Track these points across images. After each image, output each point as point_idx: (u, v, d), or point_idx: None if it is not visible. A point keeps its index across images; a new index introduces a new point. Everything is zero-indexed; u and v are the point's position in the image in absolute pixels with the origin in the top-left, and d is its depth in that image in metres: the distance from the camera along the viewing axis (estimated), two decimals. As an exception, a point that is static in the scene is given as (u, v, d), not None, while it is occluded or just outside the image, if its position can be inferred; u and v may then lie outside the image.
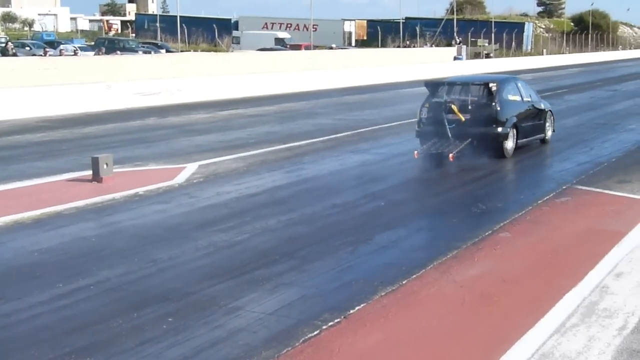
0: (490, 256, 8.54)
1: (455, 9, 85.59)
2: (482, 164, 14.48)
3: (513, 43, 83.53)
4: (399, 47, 71.90)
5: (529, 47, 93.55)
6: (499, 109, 15.28)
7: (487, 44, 78.74)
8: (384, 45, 74.31)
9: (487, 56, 72.77)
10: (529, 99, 16.84)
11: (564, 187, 12.42)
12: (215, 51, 56.95)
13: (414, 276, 7.71)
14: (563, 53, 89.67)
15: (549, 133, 17.65)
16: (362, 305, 6.88)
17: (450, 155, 14.15)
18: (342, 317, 6.59)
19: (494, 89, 15.42)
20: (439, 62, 57.16)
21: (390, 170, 14.12)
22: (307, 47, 58.71)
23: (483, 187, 12.65)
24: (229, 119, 23.82)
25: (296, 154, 16.08)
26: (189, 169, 13.95)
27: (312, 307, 6.88)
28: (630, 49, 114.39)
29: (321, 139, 18.38)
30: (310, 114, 25.11)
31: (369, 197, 11.79)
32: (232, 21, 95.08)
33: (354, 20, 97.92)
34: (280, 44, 68.19)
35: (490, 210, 10.94)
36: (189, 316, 6.65)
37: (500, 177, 13.60)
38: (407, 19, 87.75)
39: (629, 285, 7.42)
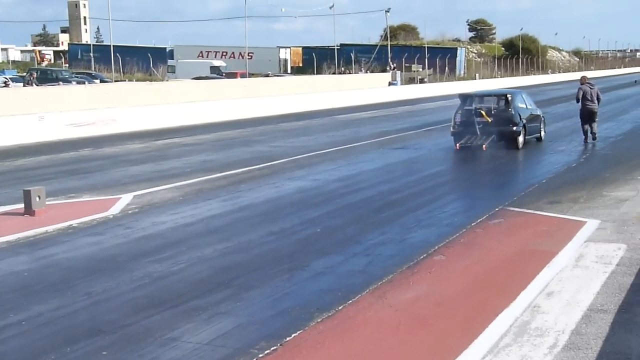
0: (425, 279, 8.64)
1: (389, 35, 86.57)
2: (419, 191, 14.67)
3: (446, 68, 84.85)
4: (334, 73, 72.42)
5: (462, 72, 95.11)
6: (514, 113, 21.00)
7: (421, 69, 79.82)
8: (319, 72, 74.84)
9: (422, 81, 73.74)
10: (531, 107, 22.77)
11: (496, 209, 12.62)
12: (151, 80, 56.70)
13: (350, 301, 7.75)
14: (495, 77, 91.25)
15: (542, 133, 23.32)
16: (298, 332, 6.90)
17: (484, 146, 20.07)
18: (279, 344, 6.59)
19: (509, 98, 21.27)
20: (374, 87, 57.73)
21: (326, 197, 14.19)
22: (243, 75, 58.94)
23: (418, 209, 12.77)
24: (165, 148, 23.72)
25: (232, 182, 16.06)
26: (124, 200, 13.83)
27: (249, 336, 6.87)
28: (559, 72, 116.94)
29: (258, 166, 18.40)
30: (247, 142, 25.13)
31: (305, 223, 11.84)
32: (167, 50, 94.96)
33: (289, 47, 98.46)
34: (216, 72, 68.21)
35: (424, 233, 11.06)
36: (123, 349, 6.58)
37: (435, 198, 13.74)
38: (342, 45, 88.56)
39: (559, 304, 7.57)
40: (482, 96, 22.60)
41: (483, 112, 20.79)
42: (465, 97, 22.21)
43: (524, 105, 22.06)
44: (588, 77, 23.73)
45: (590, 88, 22.39)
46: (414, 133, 26.91)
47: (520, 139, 20.94)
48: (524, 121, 21.32)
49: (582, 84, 22.56)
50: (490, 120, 20.58)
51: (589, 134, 22.52)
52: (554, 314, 7.26)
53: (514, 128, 20.79)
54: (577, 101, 22.53)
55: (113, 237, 11.04)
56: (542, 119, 23.45)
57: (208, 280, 8.64)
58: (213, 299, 7.92)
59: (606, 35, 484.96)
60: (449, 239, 10.58)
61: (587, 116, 22.42)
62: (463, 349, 6.39)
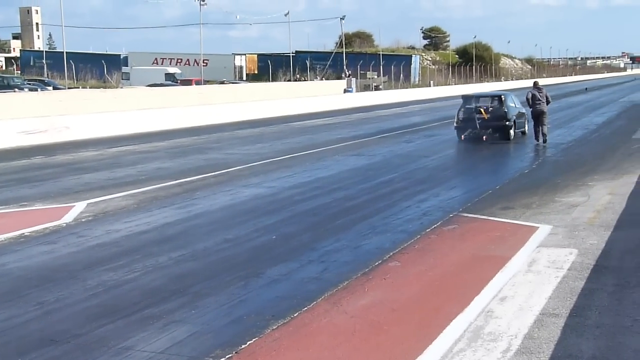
0: (380, 286, 8.68)
1: (344, 43, 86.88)
2: (374, 198, 14.75)
3: (401, 75, 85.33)
4: (289, 80, 72.45)
5: (417, 79, 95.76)
6: (506, 110, 25.36)
7: (376, 77, 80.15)
8: (274, 79, 74.91)
9: (377, 88, 74.06)
10: (518, 106, 26.81)
11: (451, 215, 12.73)
12: (105, 87, 56.19)
13: (305, 308, 7.76)
14: (449, 84, 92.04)
15: (526, 128, 27.29)
16: (253, 339, 6.88)
17: (484, 137, 24.82)
18: (234, 352, 6.58)
19: (503, 98, 25.81)
20: (329, 94, 57.89)
21: (282, 204, 14.19)
22: (198, 82, 58.72)
23: (372, 216, 12.83)
24: (119, 155, 23.54)
25: (187, 190, 15.99)
26: (78, 208, 13.69)
27: (204, 344, 6.84)
28: (512, 79, 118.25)
29: (213, 173, 18.34)
30: (202, 149, 25.04)
31: (261, 230, 11.83)
32: (122, 57, 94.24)
33: (245, 54, 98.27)
34: (171, 79, 67.88)
35: (379, 240, 11.11)
36: (77, 359, 6.52)
37: (390, 205, 13.80)
38: (297, 52, 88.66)
39: (512, 308, 7.65)
40: (480, 97, 27.62)
41: (482, 110, 25.21)
42: (466, 98, 27.20)
43: (513, 105, 26.30)
44: (540, 82, 26.23)
45: (539, 92, 24.60)
46: (369, 140, 27.03)
47: (512, 132, 25.48)
48: (514, 117, 25.83)
49: (534, 88, 24.89)
50: (487, 117, 25.02)
51: (540, 134, 24.51)
52: (507, 319, 7.34)
53: (507, 123, 25.23)
54: (528, 103, 24.70)
55: (66, 245, 10.92)
56: (526, 116, 26.96)
57: (162, 289, 8.59)
58: (167, 307, 7.87)
59: (557, 44, 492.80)
60: (404, 245, 10.64)
61: (537, 116, 24.61)
62: (418, 355, 6.43)
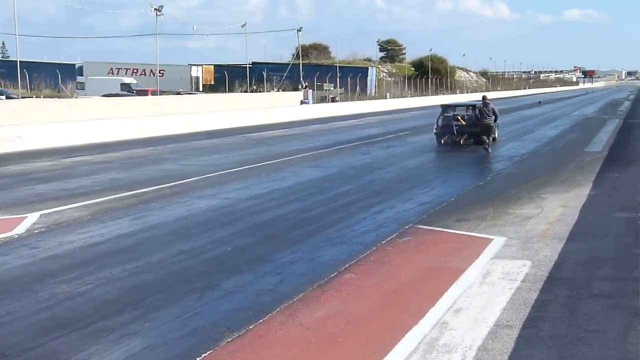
0: (336, 297, 8.68)
1: (301, 54, 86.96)
2: (330, 209, 14.78)
3: (358, 87, 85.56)
4: (246, 91, 72.30)
5: (373, 91, 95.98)
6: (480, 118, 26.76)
7: (332, 88, 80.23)
8: (231, 90, 74.57)
9: (333, 100, 74.20)
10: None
11: (406, 227, 12.79)
12: (59, 97, 55.56)
13: (261, 320, 7.74)
14: (405, 96, 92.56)
15: (496, 134, 29.32)
16: (208, 352, 6.85)
17: (462, 141, 27.64)
18: (188, 365, 6.54)
19: (476, 107, 27.29)
20: (286, 106, 57.91)
21: (237, 215, 14.14)
22: (154, 93, 58.25)
23: (328, 228, 12.83)
24: (73, 166, 23.29)
25: (142, 201, 15.87)
26: (30, 219, 13.51)
27: (158, 356, 6.79)
28: (467, 92, 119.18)
29: (168, 184, 18.22)
30: (157, 160, 24.88)
31: (216, 242, 11.78)
32: (77, 66, 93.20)
33: (201, 65, 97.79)
34: (126, 89, 67.26)
35: (335, 252, 11.12)
36: (28, 372, 6.43)
37: (346, 216, 13.82)
38: (254, 63, 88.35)
39: (466, 320, 7.71)
40: (457, 106, 30.63)
41: (459, 117, 28.28)
42: (445, 107, 30.03)
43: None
44: (488, 97, 27.85)
45: (486, 107, 26.37)
46: (326, 151, 27.08)
47: (484, 137, 26.63)
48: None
49: (482, 103, 26.83)
50: (463, 124, 27.94)
51: (487, 141, 26.27)
52: (461, 330, 7.38)
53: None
54: (476, 117, 26.95)
55: (18, 257, 10.77)
56: (496, 124, 28.46)
57: (116, 301, 8.51)
58: (121, 320, 7.80)
59: (512, 57, 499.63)
60: (360, 257, 10.67)
61: (485, 130, 26.32)
62: (373, 367, 6.45)
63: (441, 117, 28.98)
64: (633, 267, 9.60)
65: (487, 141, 26.25)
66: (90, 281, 9.36)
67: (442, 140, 28.32)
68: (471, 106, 29.09)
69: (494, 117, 26.48)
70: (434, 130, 29.06)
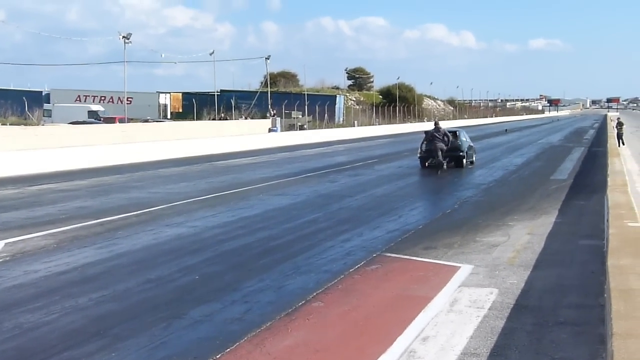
0: (304, 326, 8.66)
1: (269, 82, 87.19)
2: (298, 237, 14.75)
3: (326, 115, 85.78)
4: (214, 119, 72.24)
5: (341, 119, 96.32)
6: (460, 143, 31.51)
7: (301, 116, 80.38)
8: (199, 118, 74.49)
9: (301, 128, 74.37)
10: (469, 140, 33.02)
11: (374, 255, 12.80)
12: (25, 124, 55.14)
13: (228, 350, 7.70)
14: (373, 124, 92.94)
15: (474, 158, 33.17)
16: (175, 382, 6.79)
17: (445, 164, 30.06)
18: (155, 395, 6.47)
19: (458, 133, 31.91)
20: (254, 134, 57.95)
21: (205, 244, 14.07)
22: (122, 120, 58.06)
23: (296, 256, 12.81)
24: (39, 194, 23.07)
25: (109, 229, 15.75)
26: (-5, 248, 13.36)
27: (124, 387, 6.72)
28: (434, 120, 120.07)
29: (135, 213, 18.11)
30: (125, 188, 24.73)
31: (183, 271, 11.71)
32: (44, 94, 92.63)
33: (170, 92, 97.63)
34: (94, 116, 66.94)
35: (303, 280, 11.10)
36: (-9, 404, 6.33)
37: (313, 244, 13.81)
38: (222, 91, 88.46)
39: (434, 348, 7.72)
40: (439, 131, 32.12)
41: (441, 143, 30.05)
42: (427, 132, 31.31)
43: (465, 139, 32.38)
44: (440, 123, 32.42)
45: (437, 132, 30.30)
46: (293, 179, 27.07)
47: (464, 161, 31.26)
48: (466, 149, 31.82)
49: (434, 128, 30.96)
50: (445, 148, 29.94)
51: (443, 163, 30.14)
52: (429, 359, 7.39)
53: (461, 153, 31.28)
54: (427, 139, 30.70)
55: (-18, 286, 10.63)
56: (474, 149, 33.27)
57: (82, 330, 8.42)
58: (87, 350, 7.71)
59: (478, 86, 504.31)
60: (327, 285, 10.66)
61: (435, 150, 30.02)
62: (340, 396, 6.42)
63: (425, 142, 30.93)
64: (599, 295, 9.66)
65: (443, 163, 30.08)
66: (55, 311, 9.26)
67: (427, 163, 30.56)
68: (452, 132, 31.65)
69: (446, 139, 30.17)
70: (418, 154, 31.43)
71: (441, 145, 29.90)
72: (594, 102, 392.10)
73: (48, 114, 71.96)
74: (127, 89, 60.72)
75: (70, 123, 53.56)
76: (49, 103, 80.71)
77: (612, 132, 54.79)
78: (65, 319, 8.92)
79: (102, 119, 65.05)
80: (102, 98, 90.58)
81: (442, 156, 30.04)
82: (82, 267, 12.01)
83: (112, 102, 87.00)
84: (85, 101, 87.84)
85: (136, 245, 14.05)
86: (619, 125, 55.19)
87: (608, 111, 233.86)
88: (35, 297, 9.94)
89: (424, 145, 31.13)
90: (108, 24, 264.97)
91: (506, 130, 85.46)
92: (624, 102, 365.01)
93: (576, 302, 9.62)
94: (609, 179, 19.49)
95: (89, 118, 64.57)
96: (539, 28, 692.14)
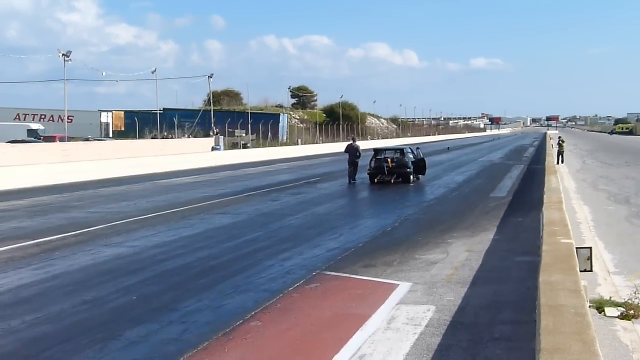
0: (241, 346, 8.63)
1: (212, 100, 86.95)
2: (238, 256, 14.71)
3: (269, 133, 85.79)
4: (156, 137, 71.76)
5: (285, 137, 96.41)
6: (407, 160, 32.82)
7: (244, 134, 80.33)
8: (141, 136, 73.88)
9: (245, 146, 74.29)
10: (416, 155, 34.23)
11: (314, 274, 12.82)
12: (-38, 143, 54.16)
13: (163, 371, 7.64)
14: (317, 142, 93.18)
15: (425, 172, 34.43)
16: (107, 404, 6.71)
17: (391, 180, 32.02)
18: (86, 418, 6.39)
19: (404, 151, 33.44)
20: (197, 152, 57.67)
21: (144, 264, 13.95)
22: (62, 139, 57.35)
23: (236, 275, 12.76)
24: (-25, 214, 22.64)
25: (45, 250, 15.53)
26: None
27: (55, 411, 6.62)
28: (378, 138, 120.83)
29: (73, 233, 17.89)
30: (63, 208, 24.41)
31: (121, 291, 11.59)
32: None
33: (111, 111, 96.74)
34: (34, 135, 66.11)
35: (242, 299, 11.07)
36: None
37: (253, 263, 13.77)
38: (165, 109, 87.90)
39: (370, 366, 7.75)
40: (387, 150, 34.81)
41: (389, 159, 32.51)
42: (376, 150, 33.96)
43: (412, 156, 33.88)
44: (356, 139, 36.37)
45: (353, 147, 34.30)
46: (235, 198, 26.99)
47: (412, 177, 32.77)
48: (413, 165, 33.08)
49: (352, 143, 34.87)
50: (392, 165, 32.23)
51: (353, 177, 33.40)
52: (364, 377, 7.42)
53: (408, 170, 32.67)
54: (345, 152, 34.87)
55: None
56: (424, 163, 34.32)
57: (14, 354, 8.29)
58: (18, 373, 7.59)
59: (421, 104, 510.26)
60: (266, 304, 10.64)
61: (351, 163, 33.82)
62: (275, 415, 6.41)
63: (373, 160, 32.91)
64: (533, 310, 9.78)
65: (354, 178, 33.43)
66: (-13, 334, 9.09)
67: (375, 180, 32.28)
68: (399, 150, 34.18)
69: (358, 155, 33.81)
70: (367, 171, 32.92)
71: (356, 160, 33.51)
72: (534, 120, 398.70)
73: (-15, 132, 70.77)
74: (68, 107, 60.00)
75: (9, 142, 52.74)
76: (-13, 121, 79.43)
77: (550, 150, 55.72)
78: (-3, 342, 8.77)
79: (42, 137, 64.27)
80: (42, 116, 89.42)
81: (391, 173, 32.17)
82: (16, 288, 11.83)
83: (53, 120, 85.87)
84: (24, 119, 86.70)
85: (73, 265, 13.87)
86: (560, 143, 56.27)
87: (547, 129, 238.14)
88: (-34, 320, 9.75)
89: (372, 162, 32.88)
90: (49, 42, 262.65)
91: (448, 148, 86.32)
92: (563, 121, 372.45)
93: (511, 318, 9.75)
94: (545, 197, 19.77)
95: (28, 137, 63.80)
96: (480, 47, 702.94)
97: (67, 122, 61.45)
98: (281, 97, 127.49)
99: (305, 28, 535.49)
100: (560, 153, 54.29)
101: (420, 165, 34.01)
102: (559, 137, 60.97)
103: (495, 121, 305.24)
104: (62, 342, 8.79)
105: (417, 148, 35.68)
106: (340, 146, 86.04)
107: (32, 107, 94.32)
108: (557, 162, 50.45)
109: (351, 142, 35.60)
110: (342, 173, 39.67)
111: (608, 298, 12.14)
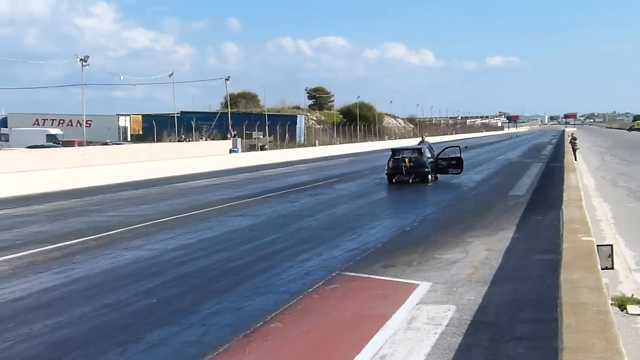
0: (262, 347, 8.63)
1: (229, 103, 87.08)
2: (257, 258, 14.71)
3: (287, 135, 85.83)
4: (174, 141, 71.94)
5: (302, 139, 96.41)
6: (424, 160, 32.75)
7: (262, 136, 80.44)
8: (159, 140, 74.13)
9: (262, 148, 74.35)
10: (433, 156, 33.94)
11: (333, 275, 12.81)
12: (-18, 149, 54.51)
13: (184, 373, 7.65)
14: (334, 143, 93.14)
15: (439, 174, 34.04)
16: (130, 407, 6.73)
17: (410, 180, 31.91)
18: (109, 421, 6.41)
19: (422, 151, 33.22)
20: (215, 155, 57.80)
21: (163, 267, 13.99)
22: (81, 143, 57.59)
23: (255, 277, 12.77)
24: (-5, 220, 22.78)
25: (66, 254, 15.61)
26: (-52, 275, 13.16)
27: (78, 414, 6.65)
28: (395, 138, 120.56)
29: (93, 237, 17.97)
30: (83, 212, 24.52)
31: (141, 294, 11.63)
32: (1, 118, 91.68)
33: (129, 115, 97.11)
34: (53, 140, 66.42)
35: (262, 301, 11.07)
36: None
37: (272, 265, 13.78)
38: (182, 113, 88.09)
39: (391, 367, 7.73)
40: (404, 149, 34.50)
41: (406, 159, 32.55)
42: (394, 150, 33.93)
43: (429, 156, 33.61)
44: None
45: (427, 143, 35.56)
46: (254, 200, 27.03)
47: (430, 177, 32.57)
48: (431, 165, 32.92)
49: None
50: (410, 165, 32.33)
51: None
52: (385, 377, 7.40)
53: (426, 170, 32.60)
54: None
55: None
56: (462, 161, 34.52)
57: (36, 358, 8.34)
58: (41, 377, 7.62)
59: (438, 103, 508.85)
60: (286, 305, 10.64)
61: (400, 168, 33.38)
62: (296, 417, 6.40)
63: (391, 160, 33.00)
64: (554, 309, 9.74)
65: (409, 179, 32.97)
66: (9, 338, 9.15)
67: (394, 180, 32.28)
68: (417, 150, 33.75)
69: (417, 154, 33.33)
70: (385, 171, 33.16)
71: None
72: (552, 118, 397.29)
73: (5, 138, 71.32)
74: (86, 112, 60.23)
75: (29, 147, 53.07)
76: (7, 127, 79.95)
77: (569, 147, 55.46)
78: (19, 347, 8.82)
79: (60, 142, 64.52)
80: (61, 121, 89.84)
81: (409, 173, 32.30)
82: (37, 293, 11.89)
83: (71, 125, 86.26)
84: (43, 125, 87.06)
85: (93, 269, 13.93)
86: (573, 140, 56.10)
87: (566, 127, 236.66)
88: (-11, 325, 9.81)
89: (390, 162, 32.97)
90: (67, 47, 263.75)
91: (466, 147, 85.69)
92: (581, 118, 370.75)
93: (532, 317, 9.71)
94: (564, 194, 19.65)
95: (47, 142, 64.05)
96: (496, 46, 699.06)
97: (86, 126, 61.73)
98: (298, 98, 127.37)
99: (321, 29, 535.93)
100: (574, 150, 54.07)
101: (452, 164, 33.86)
102: (572, 134, 60.73)
103: (512, 119, 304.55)
104: (83, 346, 8.82)
105: (420, 149, 34.71)
106: (357, 147, 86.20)
107: (51, 112, 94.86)
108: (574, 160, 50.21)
109: (421, 139, 37.70)
110: (359, 174, 39.67)
111: (630, 296, 12.04)
